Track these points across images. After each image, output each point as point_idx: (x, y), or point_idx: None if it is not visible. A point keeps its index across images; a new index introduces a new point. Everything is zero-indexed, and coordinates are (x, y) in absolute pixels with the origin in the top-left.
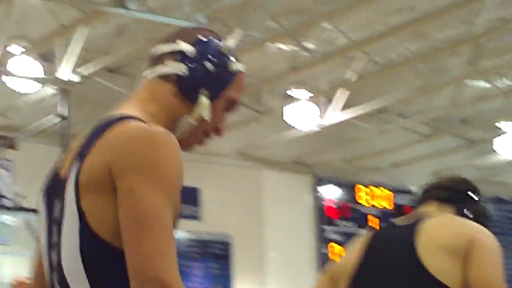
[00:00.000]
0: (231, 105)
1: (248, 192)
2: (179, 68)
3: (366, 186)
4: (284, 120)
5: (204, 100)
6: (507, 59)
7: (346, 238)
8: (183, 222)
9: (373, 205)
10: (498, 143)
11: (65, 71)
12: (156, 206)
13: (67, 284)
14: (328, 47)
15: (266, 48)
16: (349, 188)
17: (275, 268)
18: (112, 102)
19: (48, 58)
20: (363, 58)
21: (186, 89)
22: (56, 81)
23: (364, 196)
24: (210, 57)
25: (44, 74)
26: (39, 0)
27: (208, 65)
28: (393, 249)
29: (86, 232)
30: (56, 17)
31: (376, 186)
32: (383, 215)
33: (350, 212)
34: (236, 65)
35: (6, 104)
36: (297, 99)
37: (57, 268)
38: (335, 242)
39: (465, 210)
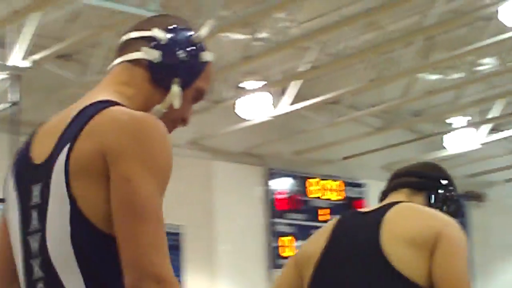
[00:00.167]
0: (199, 95)
1: (199, 183)
2: (153, 55)
3: (317, 178)
4: (236, 111)
5: (176, 89)
6: (459, 52)
7: (297, 231)
8: None
9: (324, 198)
10: (448, 137)
11: (17, 57)
12: (152, 197)
13: (54, 269)
14: (282, 37)
15: (219, 37)
16: (300, 180)
17: (226, 260)
18: (63, 88)
19: None
20: (316, 48)
21: (159, 76)
22: (7, 67)
23: (315, 188)
24: (183, 45)
25: None
26: None
27: (181, 53)
28: (357, 238)
29: (77, 218)
30: (8, 2)
31: (327, 179)
32: (334, 207)
33: (301, 204)
34: (207, 55)
35: None
36: (250, 90)
37: (39, 254)
38: (286, 235)
39: (435, 198)
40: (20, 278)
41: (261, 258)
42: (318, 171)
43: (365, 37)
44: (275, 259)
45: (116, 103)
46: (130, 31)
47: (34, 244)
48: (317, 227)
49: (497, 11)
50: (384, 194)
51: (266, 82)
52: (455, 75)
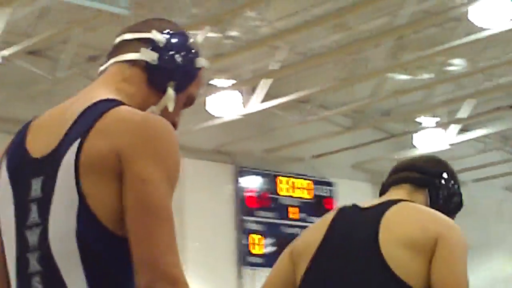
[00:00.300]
0: (190, 100)
1: None
2: (151, 56)
3: (286, 176)
4: (206, 108)
5: (171, 92)
6: (429, 52)
7: (266, 229)
8: None
9: (294, 196)
10: (417, 137)
11: None
12: (165, 197)
13: (54, 264)
14: (252, 36)
15: (189, 35)
16: (270, 178)
17: (196, 257)
18: (34, 84)
19: None
20: (286, 48)
21: (156, 78)
22: None
23: (284, 186)
24: (180, 50)
25: None
26: None
27: (178, 57)
28: (355, 235)
29: (85, 214)
30: None
31: (296, 177)
32: (304, 205)
33: (271, 202)
34: (201, 61)
35: None
36: (220, 88)
37: (38, 247)
38: (255, 233)
39: (436, 196)
40: (10, 272)
41: (231, 256)
42: (288, 169)
43: (335, 37)
44: (245, 256)
45: (122, 103)
46: (126, 32)
47: (33, 238)
48: (286, 225)
49: (467, 11)
50: (385, 188)
51: (236, 80)
52: (425, 75)
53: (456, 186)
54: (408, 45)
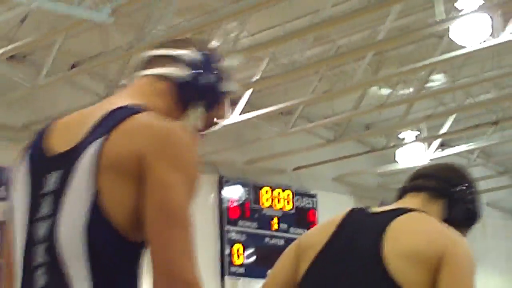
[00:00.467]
0: (213, 123)
1: None
2: (181, 73)
3: (268, 187)
4: None
5: (196, 111)
6: (409, 68)
7: (248, 239)
8: None
9: (275, 207)
10: (399, 152)
11: None
12: (185, 204)
13: (60, 256)
14: (232, 47)
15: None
16: (252, 189)
17: None
18: (13, 90)
19: None
20: (267, 59)
21: (183, 96)
22: None
23: (266, 197)
24: (211, 71)
25: None
26: None
27: (208, 78)
28: (358, 241)
29: (96, 211)
30: None
31: (278, 188)
32: (285, 217)
33: (252, 213)
34: (230, 86)
35: None
36: None
37: (45, 240)
38: (237, 243)
39: (453, 208)
40: (17, 265)
41: (213, 266)
42: (269, 180)
43: (316, 50)
44: (227, 266)
45: (146, 110)
46: (161, 47)
47: (41, 230)
48: (268, 236)
49: (448, 28)
50: (402, 193)
51: None
52: (406, 90)
53: (475, 198)
54: (388, 60)
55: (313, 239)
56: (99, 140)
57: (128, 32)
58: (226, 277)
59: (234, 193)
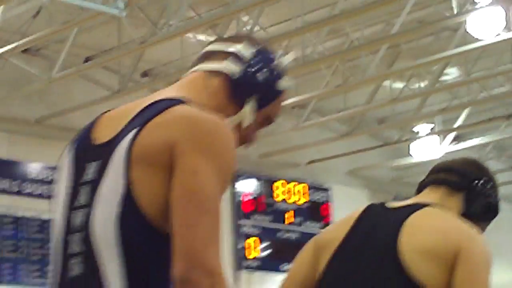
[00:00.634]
0: (268, 121)
1: None
2: (234, 70)
3: (282, 181)
4: None
5: (248, 108)
6: (424, 61)
7: (262, 233)
8: None
9: (289, 201)
10: (414, 145)
11: None
12: (214, 192)
13: (94, 245)
14: None
15: (184, 38)
16: (266, 183)
17: None
18: (28, 83)
19: None
20: (282, 53)
21: (236, 92)
22: None
23: (280, 191)
24: (266, 68)
25: None
26: None
27: (261, 75)
28: (376, 238)
29: (128, 202)
30: None
31: (292, 182)
32: (299, 210)
33: (266, 207)
34: (285, 83)
35: None
36: None
37: (81, 229)
38: (251, 236)
39: (473, 202)
40: (54, 253)
41: (228, 259)
42: (283, 174)
43: (330, 43)
44: (242, 260)
45: (189, 102)
46: (216, 42)
47: (77, 219)
48: (282, 230)
49: (463, 21)
50: (422, 187)
51: None
52: (420, 84)
53: (494, 194)
54: (403, 53)
55: (330, 236)
56: (132, 132)
57: (142, 25)
58: (240, 271)
59: (248, 187)
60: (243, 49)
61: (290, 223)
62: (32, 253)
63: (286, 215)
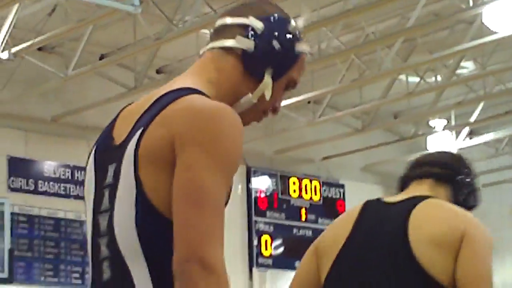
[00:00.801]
0: (292, 85)
1: None
2: (247, 44)
3: (297, 177)
4: None
5: (268, 80)
6: (440, 55)
7: (276, 230)
8: None
9: (303, 197)
10: (430, 140)
11: None
12: (212, 186)
13: (119, 250)
14: None
15: (200, 34)
16: (281, 179)
17: None
18: (44, 81)
19: None
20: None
21: (252, 66)
22: None
23: (294, 188)
24: (278, 36)
25: None
26: None
27: (276, 44)
28: (384, 231)
29: (142, 202)
30: None
31: (306, 178)
32: (313, 207)
33: (281, 204)
34: (302, 46)
35: None
36: None
37: (107, 233)
38: (265, 234)
39: (459, 191)
40: (90, 257)
41: (241, 257)
42: (298, 170)
43: (346, 37)
44: (255, 257)
45: (196, 91)
46: (225, 16)
47: (103, 223)
48: (297, 227)
49: (481, 13)
50: (406, 182)
51: None
52: (437, 78)
53: (475, 183)
54: (418, 47)
55: (332, 237)
56: (138, 132)
57: (157, 22)
58: (254, 269)
59: (262, 183)
60: (254, 20)
61: (304, 220)
62: (46, 252)
63: (301, 212)
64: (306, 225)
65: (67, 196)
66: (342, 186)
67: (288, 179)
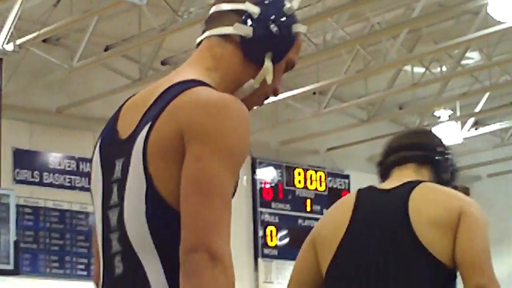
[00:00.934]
0: (290, 66)
1: None
2: (246, 31)
3: (302, 168)
4: None
5: (269, 64)
6: (445, 45)
7: (281, 221)
8: None
9: (309, 188)
10: (435, 131)
11: None
12: (219, 176)
13: (131, 244)
14: None
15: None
16: (286, 170)
17: None
18: (49, 73)
19: None
20: (302, 38)
21: (251, 52)
22: None
23: (299, 179)
24: (275, 19)
25: None
26: None
27: (273, 27)
28: (385, 216)
29: (153, 196)
30: None
31: (311, 169)
32: (318, 198)
33: (286, 194)
34: (298, 27)
35: None
36: None
37: (117, 228)
38: (270, 225)
39: (441, 172)
40: (99, 253)
41: (247, 247)
42: (303, 161)
43: (351, 28)
44: (261, 248)
45: (202, 83)
46: (221, 2)
47: (113, 218)
48: (302, 217)
49: (486, 3)
50: (387, 168)
51: None
52: (443, 68)
53: (451, 158)
54: (423, 38)
55: (330, 227)
56: (146, 126)
57: (162, 13)
58: (260, 259)
59: (267, 174)
60: (251, 4)
61: (309, 211)
62: (52, 244)
63: (306, 203)
64: (311, 215)
65: (72, 187)
66: (347, 176)
67: (293, 170)
